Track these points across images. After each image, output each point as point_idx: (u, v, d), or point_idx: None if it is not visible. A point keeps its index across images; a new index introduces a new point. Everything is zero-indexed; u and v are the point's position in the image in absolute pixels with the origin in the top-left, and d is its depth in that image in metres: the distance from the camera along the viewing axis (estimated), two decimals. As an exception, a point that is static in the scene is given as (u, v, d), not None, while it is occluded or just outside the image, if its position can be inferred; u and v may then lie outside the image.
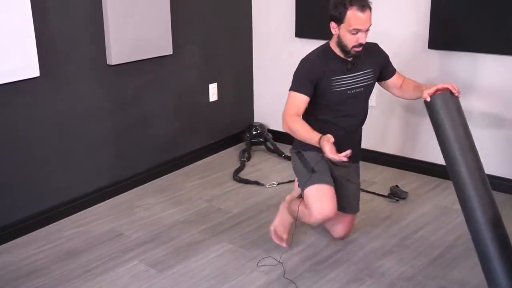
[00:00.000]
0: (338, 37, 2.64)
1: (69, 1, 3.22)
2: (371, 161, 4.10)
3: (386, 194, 3.60)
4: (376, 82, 2.94)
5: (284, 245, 2.95)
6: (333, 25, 2.63)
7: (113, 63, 3.48)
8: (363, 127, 3.00)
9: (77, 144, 3.41)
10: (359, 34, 2.58)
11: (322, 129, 2.63)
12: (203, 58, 4.17)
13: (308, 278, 2.73)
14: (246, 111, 4.67)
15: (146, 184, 3.87)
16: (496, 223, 2.30)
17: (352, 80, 2.74)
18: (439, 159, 3.78)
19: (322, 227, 3.14)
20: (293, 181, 3.82)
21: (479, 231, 2.32)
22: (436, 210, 3.41)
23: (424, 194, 3.63)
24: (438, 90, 2.55)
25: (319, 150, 2.60)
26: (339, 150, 2.51)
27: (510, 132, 3.56)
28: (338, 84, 2.72)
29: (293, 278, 2.73)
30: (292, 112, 2.69)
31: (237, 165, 4.15)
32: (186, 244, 3.07)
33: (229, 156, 4.36)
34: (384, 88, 3.01)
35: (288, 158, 4.21)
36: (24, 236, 3.17)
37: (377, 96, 3.95)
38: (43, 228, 3.25)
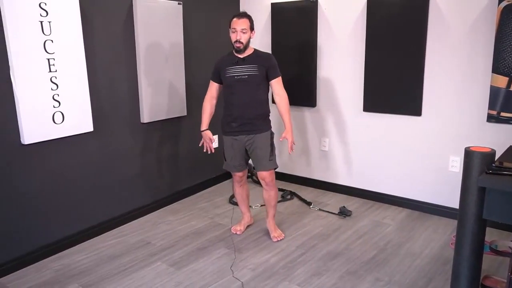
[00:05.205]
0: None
1: (114, 80, 3.31)
2: (327, 189, 4.14)
3: (337, 212, 3.63)
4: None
5: (238, 233, 3.27)
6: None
7: (145, 121, 3.53)
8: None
9: (116, 179, 3.43)
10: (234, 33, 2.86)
11: (225, 103, 3.02)
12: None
13: (282, 273, 2.74)
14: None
15: (166, 207, 3.87)
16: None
17: (239, 70, 2.92)
18: (374, 188, 3.91)
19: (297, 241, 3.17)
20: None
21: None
22: (371, 223, 3.45)
23: (363, 212, 3.66)
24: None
25: (230, 134, 3.02)
26: (235, 119, 2.97)
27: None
28: (229, 72, 2.94)
29: (271, 273, 2.74)
30: (209, 95, 3.11)
31: (231, 192, 4.15)
32: (196, 249, 3.07)
33: (225, 187, 4.37)
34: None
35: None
36: (77, 246, 3.15)
37: (330, 142, 4.05)
38: (90, 240, 3.24)
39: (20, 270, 2.82)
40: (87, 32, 3.04)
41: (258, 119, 2.99)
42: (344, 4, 3.72)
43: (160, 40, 3.52)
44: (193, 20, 3.89)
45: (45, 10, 2.73)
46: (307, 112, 4.14)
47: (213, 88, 3.09)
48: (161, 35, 3.53)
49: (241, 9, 4.39)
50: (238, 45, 2.87)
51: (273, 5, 4.08)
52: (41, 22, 2.73)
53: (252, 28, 2.91)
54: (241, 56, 2.94)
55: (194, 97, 4.00)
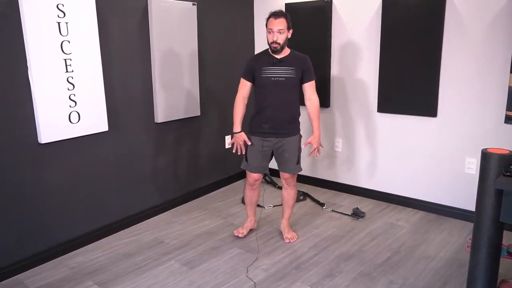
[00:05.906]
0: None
1: (129, 80, 3.33)
2: (340, 190, 4.12)
3: (350, 214, 3.61)
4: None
5: (241, 236, 3.21)
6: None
7: (159, 121, 3.55)
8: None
9: (130, 178, 3.45)
10: (271, 33, 2.79)
11: (258, 103, 2.95)
12: (221, 117, 4.24)
13: (295, 274, 2.74)
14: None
15: (179, 206, 3.88)
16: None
17: (276, 71, 2.85)
18: (388, 189, 3.88)
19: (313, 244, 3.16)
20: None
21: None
22: (385, 225, 3.42)
23: (376, 214, 3.63)
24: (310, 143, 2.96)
25: (260, 135, 2.96)
26: (268, 120, 2.90)
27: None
28: (265, 72, 2.87)
29: (284, 274, 2.74)
30: (241, 95, 2.99)
31: (244, 192, 4.19)
32: (209, 249, 3.09)
33: (238, 187, 4.37)
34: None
35: (280, 188, 4.27)
36: (91, 244, 3.19)
37: (343, 142, 4.03)
38: (104, 238, 3.27)
39: (36, 267, 2.87)
40: (103, 33, 3.07)
41: (290, 122, 2.96)
42: (358, 3, 3.70)
43: (174, 41, 3.54)
44: (207, 20, 3.91)
45: (62, 11, 2.77)
46: (320, 113, 4.11)
47: (246, 88, 2.97)
48: (176, 36, 3.55)
49: (256, 9, 4.39)
50: (275, 45, 2.80)
51: (287, 5, 4.08)
52: (59, 23, 2.77)
53: (289, 27, 2.81)
54: (278, 56, 2.86)
55: (208, 97, 4.02)
